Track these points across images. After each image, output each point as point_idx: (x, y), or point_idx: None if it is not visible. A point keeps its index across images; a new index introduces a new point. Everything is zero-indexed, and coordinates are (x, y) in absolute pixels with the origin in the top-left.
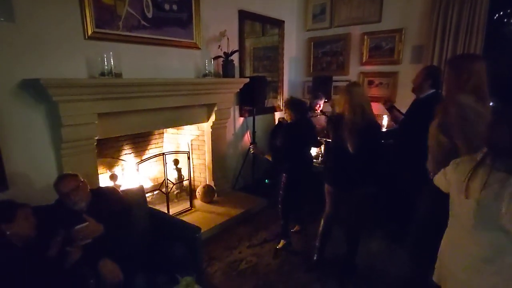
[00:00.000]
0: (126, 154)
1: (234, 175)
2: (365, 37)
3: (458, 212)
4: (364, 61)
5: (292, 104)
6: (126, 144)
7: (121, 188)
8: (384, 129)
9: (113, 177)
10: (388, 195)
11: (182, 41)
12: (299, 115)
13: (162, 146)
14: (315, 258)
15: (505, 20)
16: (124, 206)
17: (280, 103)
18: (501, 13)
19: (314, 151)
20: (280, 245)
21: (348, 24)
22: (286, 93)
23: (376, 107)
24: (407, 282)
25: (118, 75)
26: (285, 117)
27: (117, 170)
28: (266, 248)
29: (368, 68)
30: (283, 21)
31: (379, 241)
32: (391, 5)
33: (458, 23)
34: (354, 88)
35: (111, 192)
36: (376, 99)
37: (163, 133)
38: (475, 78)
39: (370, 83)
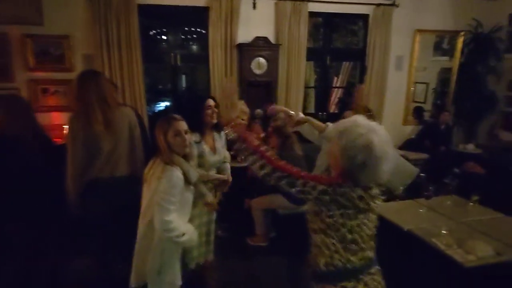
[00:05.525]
0: None
1: None
2: (28, 39)
3: None
4: (31, 66)
5: None
6: None
7: None
8: None
9: None
10: None
11: None
12: None
13: None
14: None
15: (158, 37)
16: None
17: None
18: (154, 31)
19: None
20: None
21: (3, 22)
22: None
23: (57, 117)
24: None
25: None
26: None
27: None
28: None
29: (39, 75)
30: None
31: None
32: (52, 8)
33: (118, 36)
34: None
35: None
36: (55, 109)
37: None
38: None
39: (45, 91)
